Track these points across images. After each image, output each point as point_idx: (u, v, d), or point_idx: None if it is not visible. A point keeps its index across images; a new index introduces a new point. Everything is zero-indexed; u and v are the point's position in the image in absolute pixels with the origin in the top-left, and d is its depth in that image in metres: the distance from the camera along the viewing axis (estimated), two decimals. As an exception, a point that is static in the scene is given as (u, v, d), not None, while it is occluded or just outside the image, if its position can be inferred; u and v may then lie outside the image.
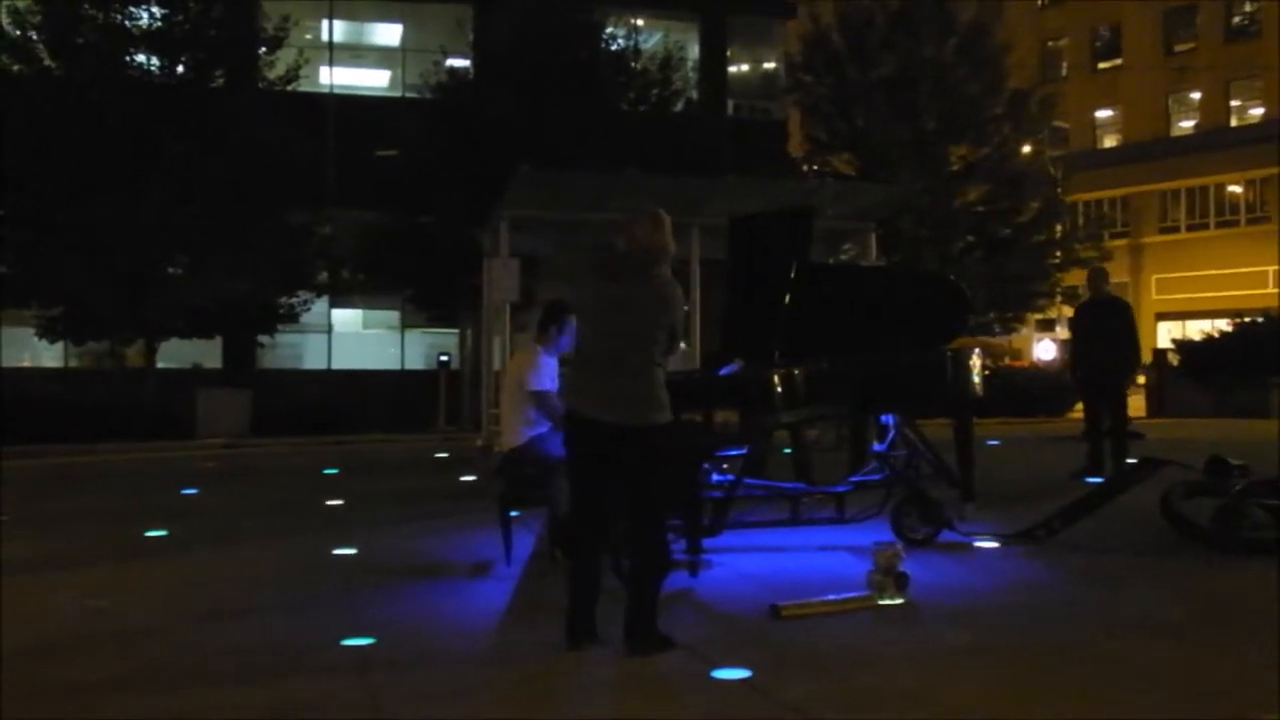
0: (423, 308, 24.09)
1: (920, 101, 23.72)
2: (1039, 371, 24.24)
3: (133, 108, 18.39)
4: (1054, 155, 30.50)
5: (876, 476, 7.53)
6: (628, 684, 4.31)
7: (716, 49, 29.93)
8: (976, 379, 7.67)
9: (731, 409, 6.91)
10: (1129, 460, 9.77)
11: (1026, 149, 25.86)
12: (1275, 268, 35.66)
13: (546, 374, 6.93)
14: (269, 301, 20.66)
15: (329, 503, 10.00)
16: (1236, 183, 38.07)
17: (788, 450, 9.10)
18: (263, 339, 23.65)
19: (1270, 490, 7.37)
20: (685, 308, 5.16)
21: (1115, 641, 4.96)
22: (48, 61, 19.18)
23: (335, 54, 27.75)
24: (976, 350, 8.05)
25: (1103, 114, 41.92)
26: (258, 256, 19.04)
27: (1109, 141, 41.85)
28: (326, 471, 12.90)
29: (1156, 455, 8.05)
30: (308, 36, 25.51)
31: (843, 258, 15.74)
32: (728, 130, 27.24)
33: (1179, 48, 39.53)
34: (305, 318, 22.60)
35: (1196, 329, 28.37)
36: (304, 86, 22.24)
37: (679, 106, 24.80)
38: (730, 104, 30.48)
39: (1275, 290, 34.52)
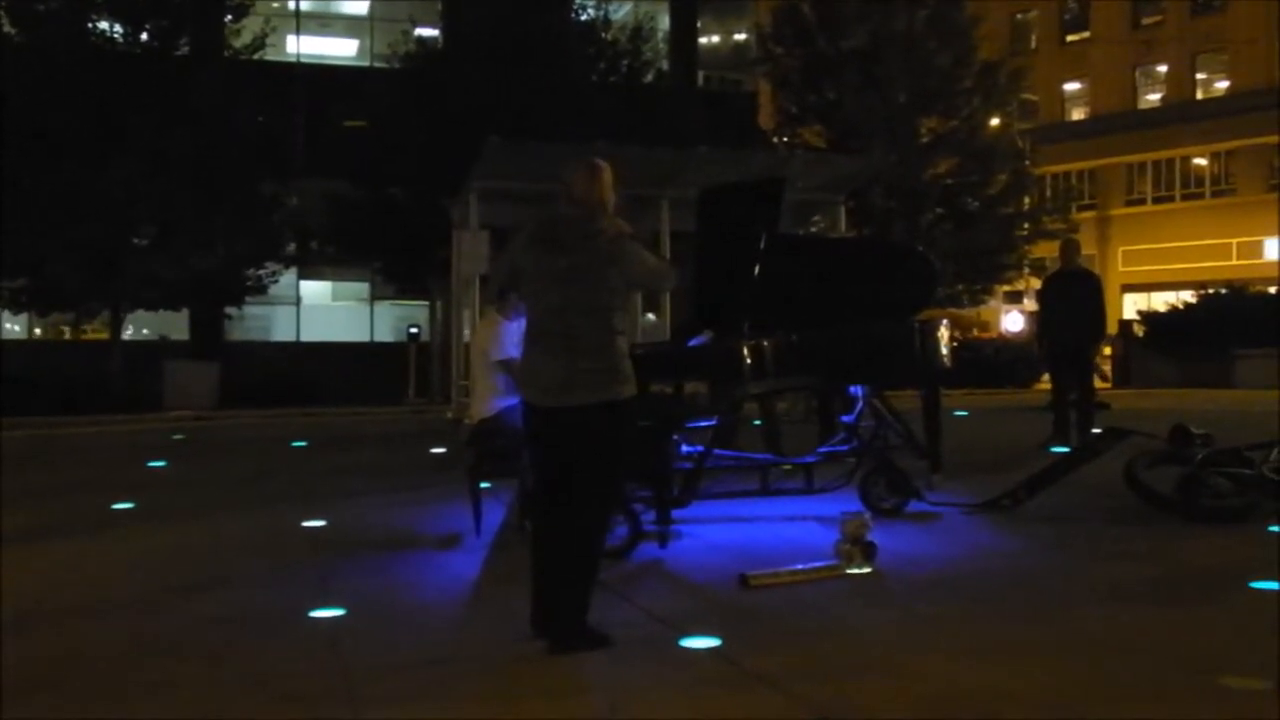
0: (392, 279, 23.99)
1: (890, 73, 23.72)
2: (1007, 343, 24.40)
3: (97, 76, 18.15)
4: (1022, 128, 30.58)
5: (845, 447, 7.57)
6: (595, 653, 4.32)
7: (687, 20, 29.84)
8: (944, 350, 7.71)
9: (701, 380, 6.92)
10: (1094, 430, 9.88)
11: (995, 121, 25.93)
12: (1238, 240, 35.97)
13: (509, 341, 6.89)
14: (237, 273, 20.51)
15: (297, 475, 9.97)
16: (1202, 156, 38.29)
17: (757, 422, 9.14)
18: (230, 311, 23.49)
19: (1232, 459, 7.48)
20: (649, 257, 4.69)
21: (1082, 609, 5.02)
22: (8, 28, 18.88)
23: (302, 23, 27.48)
24: (944, 322, 8.09)
25: (1071, 87, 41.99)
26: (225, 228, 18.88)
27: (1077, 114, 41.94)
28: (295, 444, 12.86)
29: (1121, 425, 8.13)
30: (274, 4, 25.27)
31: (812, 229, 15.78)
32: (698, 102, 27.19)
33: (1146, 21, 39.63)
34: (273, 290, 22.46)
35: (1162, 301, 28.61)
36: (271, 55, 22.03)
37: (649, 78, 24.73)
38: (701, 75, 30.41)
39: (1239, 262, 34.81)
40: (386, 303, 27.07)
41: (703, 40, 31.12)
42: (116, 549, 6.80)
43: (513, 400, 6.84)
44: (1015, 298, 33.05)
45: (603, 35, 23.37)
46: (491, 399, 7.07)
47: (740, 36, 31.78)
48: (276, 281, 22.09)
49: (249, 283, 21.08)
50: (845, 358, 7.32)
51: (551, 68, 20.85)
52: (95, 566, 6.28)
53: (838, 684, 4.00)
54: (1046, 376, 13.76)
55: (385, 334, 27.02)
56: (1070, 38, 41.79)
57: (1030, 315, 24.71)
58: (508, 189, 13.32)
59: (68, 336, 23.26)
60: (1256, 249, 35.50)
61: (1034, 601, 5.16)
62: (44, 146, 17.48)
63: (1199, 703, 3.79)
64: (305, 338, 26.52)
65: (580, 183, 4.52)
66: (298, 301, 26.71)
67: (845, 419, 7.75)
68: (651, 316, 15.59)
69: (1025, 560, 6.14)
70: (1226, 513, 6.92)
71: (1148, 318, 25.19)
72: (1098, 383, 13.40)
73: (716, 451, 7.04)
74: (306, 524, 7.35)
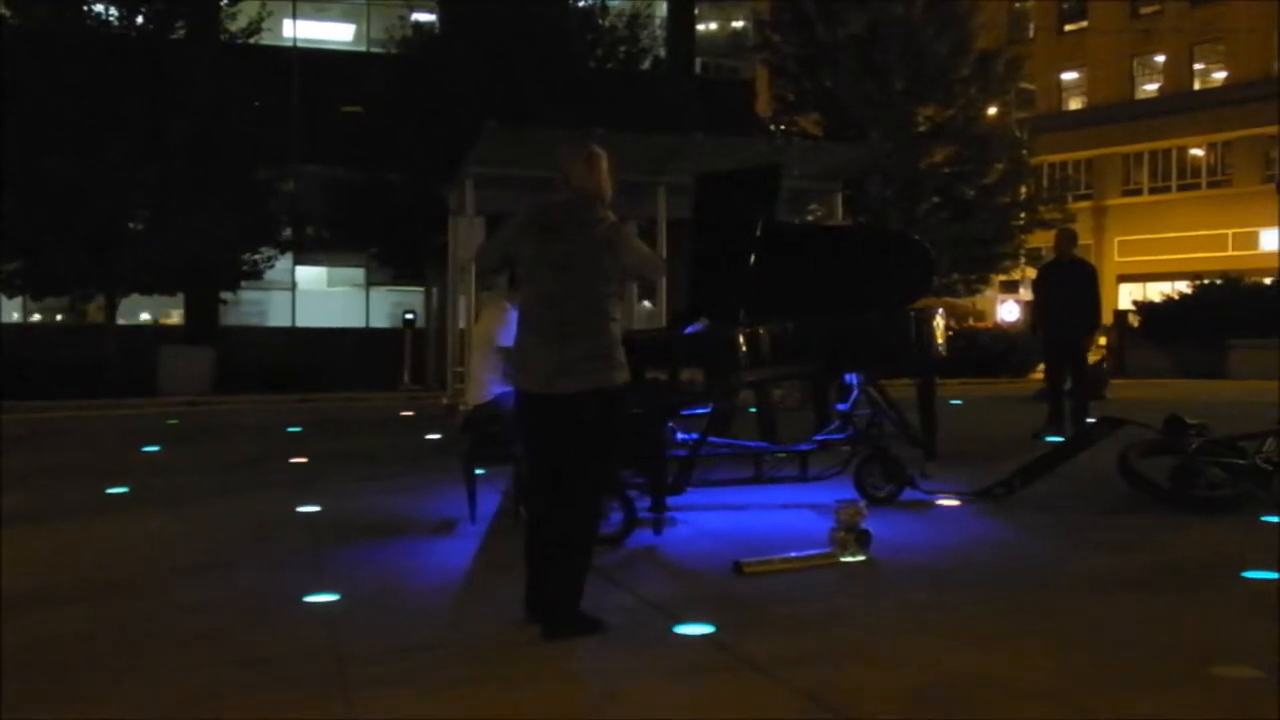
0: (388, 265, 23.97)
1: (888, 61, 23.69)
2: (1002, 332, 24.43)
3: (92, 60, 18.08)
4: (1020, 117, 30.56)
5: (840, 435, 7.58)
6: (589, 639, 4.33)
7: (685, 7, 29.75)
8: (940, 339, 7.71)
9: (697, 368, 6.91)
10: (1089, 419, 9.90)
11: (992, 110, 25.91)
12: (1234, 231, 36.00)
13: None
14: (232, 258, 20.47)
15: (293, 460, 9.96)
16: (1198, 146, 38.29)
17: (753, 409, 9.15)
18: (226, 296, 23.46)
19: (1226, 449, 7.50)
20: (643, 245, 4.68)
21: (1075, 597, 5.03)
22: (3, 10, 18.81)
23: (299, 7, 27.36)
24: (940, 311, 8.09)
25: (1068, 76, 41.96)
26: (221, 212, 18.84)
27: (1074, 104, 41.93)
28: (290, 429, 12.85)
29: (1115, 414, 8.14)
30: (270, -12, 25.09)
31: (809, 218, 15.76)
32: (695, 89, 27.14)
33: (1144, 11, 39.58)
34: (269, 275, 22.43)
35: (1157, 291, 28.63)
36: (267, 40, 21.96)
37: (646, 64, 24.67)
38: (698, 63, 30.34)
39: (1234, 253, 34.84)
40: (382, 288, 27.03)
41: (700, 27, 31.05)
42: (110, 533, 6.80)
43: (509, 386, 6.84)
44: (1011, 287, 33.07)
45: (600, 22, 23.32)
46: (487, 384, 7.06)
47: (738, 24, 31.71)
48: (272, 266, 22.06)
49: (244, 267, 21.04)
50: (841, 346, 7.32)
51: (549, 54, 20.79)
52: (89, 550, 6.27)
53: (831, 671, 4.00)
54: (1041, 366, 13.78)
55: (381, 320, 27.01)
56: (1068, 27, 41.72)
57: (1026, 305, 24.74)
58: (504, 175, 13.27)
59: (66, 314, 23.16)
60: (1252, 240, 35.52)
61: (1027, 590, 5.17)
62: (40, 130, 17.42)
63: (1192, 691, 3.79)
64: (301, 323, 26.49)
65: (578, 170, 4.50)
66: (293, 287, 26.68)
67: (840, 407, 7.75)
68: (647, 304, 15.59)
69: (1019, 549, 6.14)
70: (1220, 502, 6.94)
71: (1143, 308, 25.21)
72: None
73: (712, 439, 7.05)
74: (301, 509, 7.35)
